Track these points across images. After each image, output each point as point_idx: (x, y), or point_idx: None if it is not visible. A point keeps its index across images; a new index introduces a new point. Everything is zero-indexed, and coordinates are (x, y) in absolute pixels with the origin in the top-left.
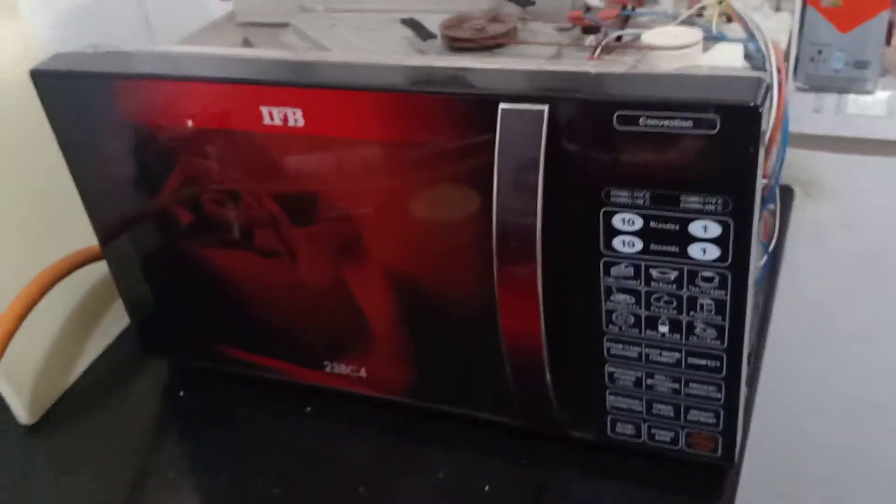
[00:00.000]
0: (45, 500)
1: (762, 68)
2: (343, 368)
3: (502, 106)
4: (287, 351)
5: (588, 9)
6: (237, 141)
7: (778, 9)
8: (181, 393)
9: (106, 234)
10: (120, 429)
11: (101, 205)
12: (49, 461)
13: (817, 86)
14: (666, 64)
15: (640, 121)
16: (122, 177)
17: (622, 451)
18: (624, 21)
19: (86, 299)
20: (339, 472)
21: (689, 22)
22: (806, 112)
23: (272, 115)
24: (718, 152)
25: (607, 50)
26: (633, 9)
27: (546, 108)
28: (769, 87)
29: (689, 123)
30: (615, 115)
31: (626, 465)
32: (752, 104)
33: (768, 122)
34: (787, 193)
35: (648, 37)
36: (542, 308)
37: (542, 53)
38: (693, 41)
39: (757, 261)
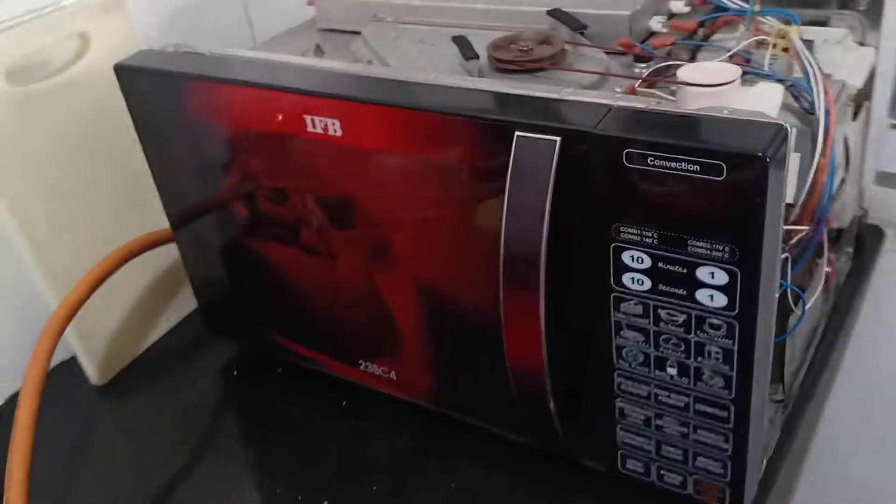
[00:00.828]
0: (106, 455)
1: (811, 109)
2: (375, 368)
3: (517, 134)
4: (327, 345)
5: (651, 34)
6: (285, 145)
7: (863, 42)
8: (235, 372)
9: (175, 219)
10: (178, 397)
11: (171, 193)
12: (114, 420)
13: None
14: (696, 101)
15: (649, 160)
16: (187, 169)
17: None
18: (692, 51)
19: (164, 276)
20: (358, 467)
21: (745, 55)
22: None
23: (314, 124)
24: (725, 199)
25: (648, 82)
26: (706, 37)
27: (559, 139)
28: (787, 135)
29: (696, 168)
30: (624, 153)
31: (641, 499)
32: (759, 153)
33: (791, 170)
34: (877, 236)
35: (684, 72)
36: (543, 334)
37: (583, 81)
38: (728, 79)
39: (771, 310)
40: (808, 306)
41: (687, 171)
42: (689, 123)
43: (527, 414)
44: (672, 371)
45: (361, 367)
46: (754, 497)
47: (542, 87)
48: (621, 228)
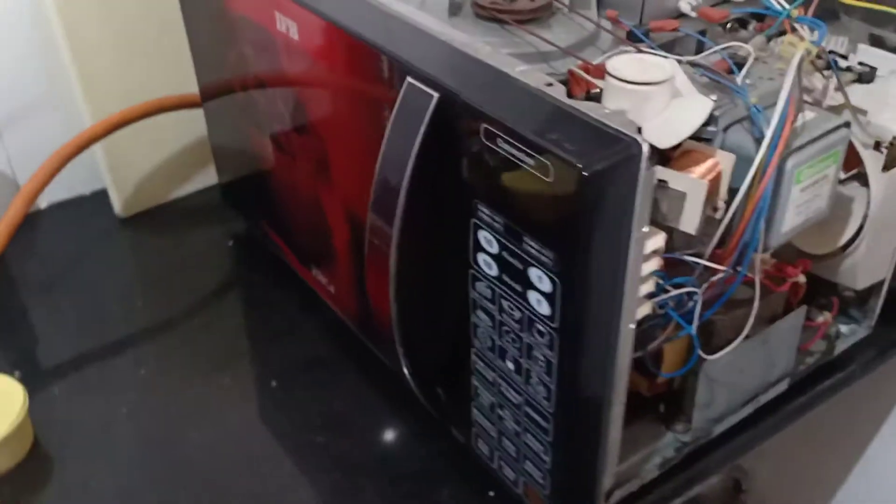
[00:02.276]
0: (121, 274)
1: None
2: (321, 277)
3: (408, 78)
4: (293, 243)
5: (680, 15)
6: (263, 37)
7: None
8: (230, 243)
9: (202, 90)
10: (177, 246)
11: (200, 62)
12: (123, 247)
13: None
14: (615, 96)
15: (498, 141)
16: (207, 43)
17: None
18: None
19: (206, 139)
20: (271, 359)
21: (731, 61)
22: None
23: (281, 22)
24: (551, 203)
25: (592, 67)
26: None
27: (437, 96)
28: (636, 155)
29: (531, 162)
30: (482, 127)
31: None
32: (577, 165)
33: (694, 198)
34: None
35: (615, 62)
36: (393, 280)
37: (543, 46)
38: (653, 79)
39: (613, 336)
40: (715, 357)
41: (524, 162)
42: (552, 114)
43: (385, 355)
44: (510, 365)
45: (312, 272)
46: None
47: (488, 40)
48: (479, 206)
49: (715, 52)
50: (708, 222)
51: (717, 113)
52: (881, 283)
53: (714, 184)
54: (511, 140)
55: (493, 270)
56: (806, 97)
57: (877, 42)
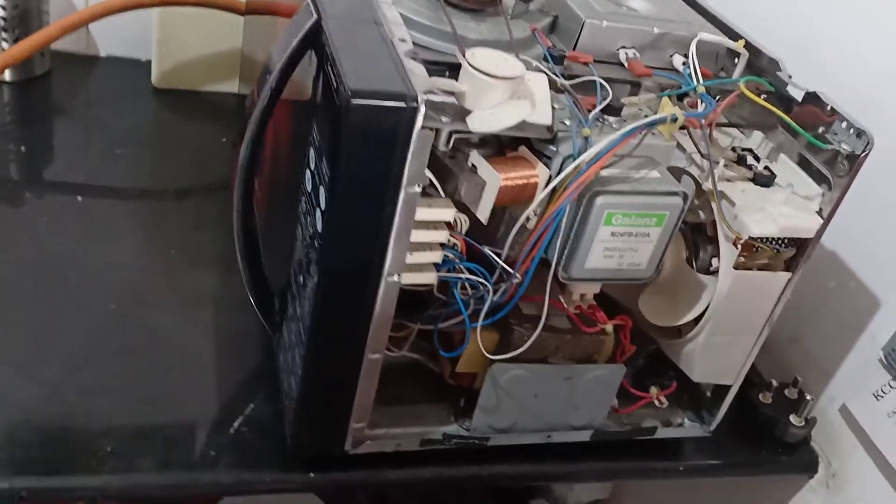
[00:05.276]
0: (129, 128)
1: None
2: (257, 187)
3: (307, 1)
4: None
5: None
6: None
7: (821, 213)
8: (224, 139)
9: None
10: (186, 127)
11: None
12: (148, 112)
13: None
14: (465, 78)
15: (328, 64)
16: None
17: None
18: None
19: None
20: (190, 239)
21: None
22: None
23: None
24: (335, 126)
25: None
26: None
27: (316, 17)
28: (408, 110)
29: (335, 86)
30: (326, 50)
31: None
32: (348, 93)
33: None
34: (805, 460)
35: (476, 52)
36: (238, 191)
37: (461, 31)
38: (496, 73)
39: (360, 276)
40: (497, 358)
41: (333, 86)
42: (378, 60)
43: None
44: (301, 279)
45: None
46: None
47: (418, 8)
48: (314, 125)
49: (580, 81)
50: (521, 232)
51: (561, 136)
52: (727, 389)
53: (521, 191)
54: (332, 64)
55: (309, 187)
56: (691, 166)
57: (802, 162)
